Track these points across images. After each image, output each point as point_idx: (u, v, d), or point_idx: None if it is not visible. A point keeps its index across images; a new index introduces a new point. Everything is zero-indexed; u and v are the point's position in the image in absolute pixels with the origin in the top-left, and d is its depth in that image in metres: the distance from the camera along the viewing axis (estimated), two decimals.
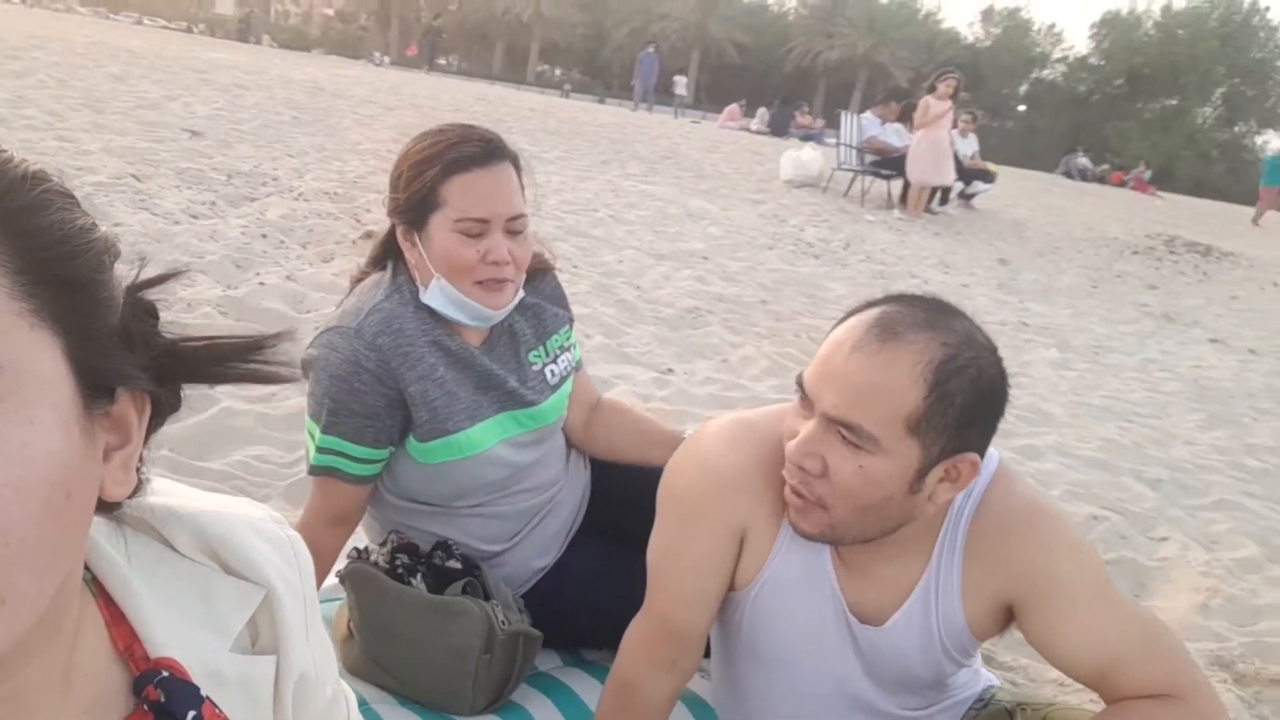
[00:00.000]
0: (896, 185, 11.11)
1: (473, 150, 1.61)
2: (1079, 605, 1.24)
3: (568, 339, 1.90)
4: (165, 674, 0.59)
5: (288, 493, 2.54)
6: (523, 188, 1.68)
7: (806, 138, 20.16)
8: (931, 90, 10.24)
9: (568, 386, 1.89)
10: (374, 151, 8.16)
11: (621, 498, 1.94)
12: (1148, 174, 28.24)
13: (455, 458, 1.70)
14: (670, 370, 4.07)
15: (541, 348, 1.84)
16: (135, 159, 6.26)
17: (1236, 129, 52.99)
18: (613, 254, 6.21)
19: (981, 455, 1.19)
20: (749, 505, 1.31)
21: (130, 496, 0.58)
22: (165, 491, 0.64)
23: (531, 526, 1.86)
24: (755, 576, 1.35)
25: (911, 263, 8.07)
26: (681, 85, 28.53)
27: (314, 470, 1.66)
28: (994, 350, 1.18)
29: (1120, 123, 49.82)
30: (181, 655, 0.61)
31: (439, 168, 1.60)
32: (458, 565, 1.76)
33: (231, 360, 0.61)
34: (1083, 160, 26.27)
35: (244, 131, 8.31)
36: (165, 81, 11.01)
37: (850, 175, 11.16)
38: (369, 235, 5.18)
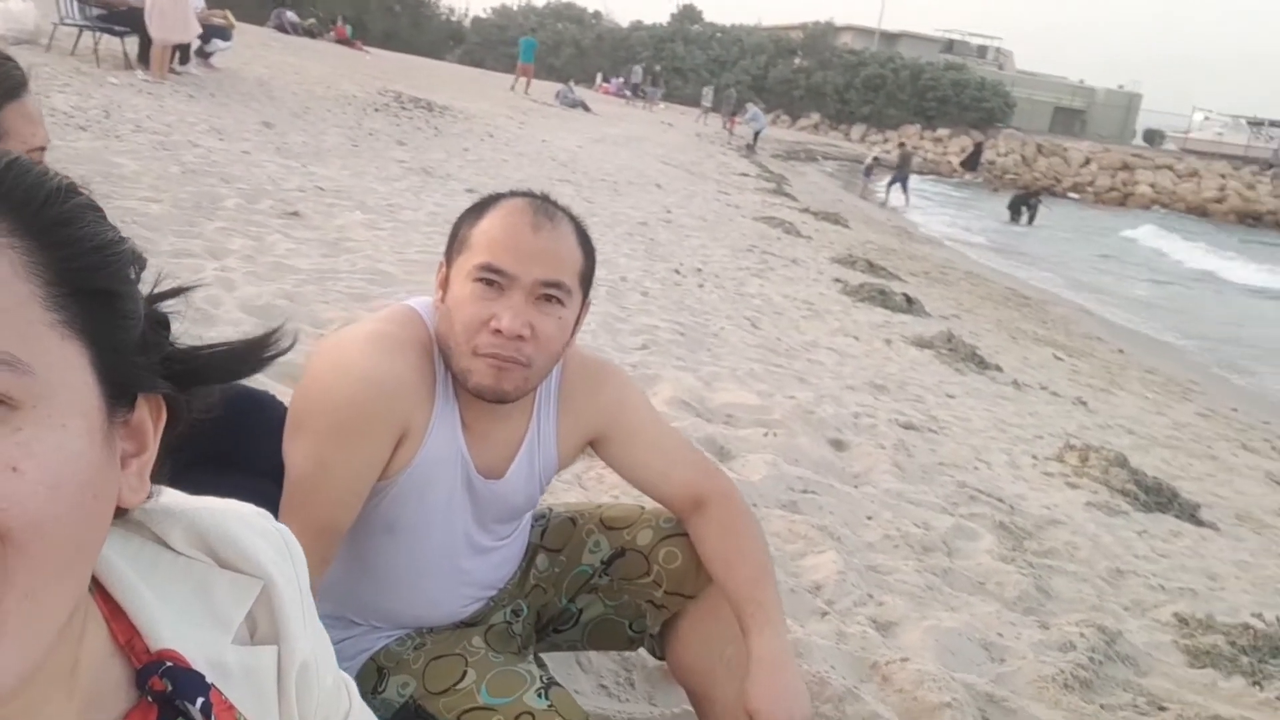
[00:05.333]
0: (131, 43, 10.31)
1: (18, 75, 1.58)
2: (646, 426, 1.59)
3: None
4: (169, 664, 0.59)
5: None
6: None
7: None
8: None
9: None
10: None
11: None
12: (349, 28, 29.59)
13: None
14: None
15: None
16: None
17: None
18: None
19: None
20: (410, 406, 1.40)
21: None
22: (155, 490, 0.63)
23: None
24: (406, 464, 1.44)
25: (184, 130, 7.80)
26: None
27: None
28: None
29: None
30: (183, 648, 0.60)
31: None
32: None
33: (244, 360, 0.62)
34: (292, 15, 26.41)
35: None
36: None
37: (76, 31, 10.02)
38: None
